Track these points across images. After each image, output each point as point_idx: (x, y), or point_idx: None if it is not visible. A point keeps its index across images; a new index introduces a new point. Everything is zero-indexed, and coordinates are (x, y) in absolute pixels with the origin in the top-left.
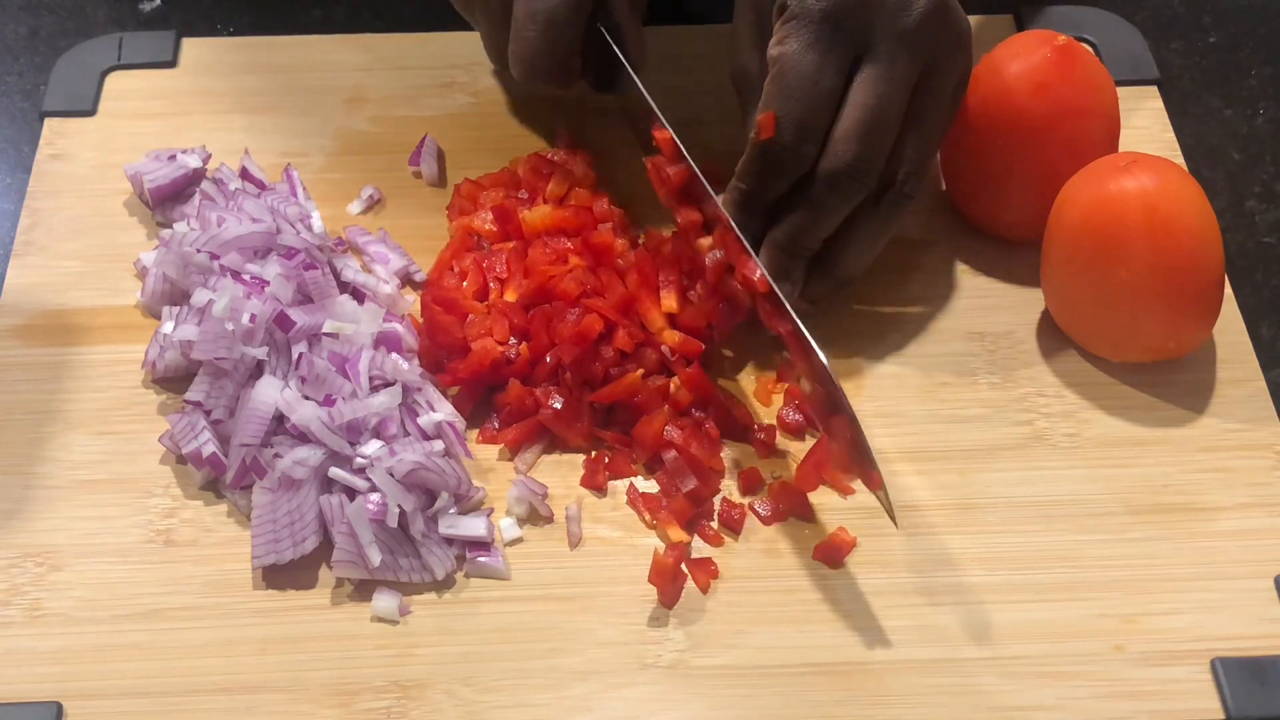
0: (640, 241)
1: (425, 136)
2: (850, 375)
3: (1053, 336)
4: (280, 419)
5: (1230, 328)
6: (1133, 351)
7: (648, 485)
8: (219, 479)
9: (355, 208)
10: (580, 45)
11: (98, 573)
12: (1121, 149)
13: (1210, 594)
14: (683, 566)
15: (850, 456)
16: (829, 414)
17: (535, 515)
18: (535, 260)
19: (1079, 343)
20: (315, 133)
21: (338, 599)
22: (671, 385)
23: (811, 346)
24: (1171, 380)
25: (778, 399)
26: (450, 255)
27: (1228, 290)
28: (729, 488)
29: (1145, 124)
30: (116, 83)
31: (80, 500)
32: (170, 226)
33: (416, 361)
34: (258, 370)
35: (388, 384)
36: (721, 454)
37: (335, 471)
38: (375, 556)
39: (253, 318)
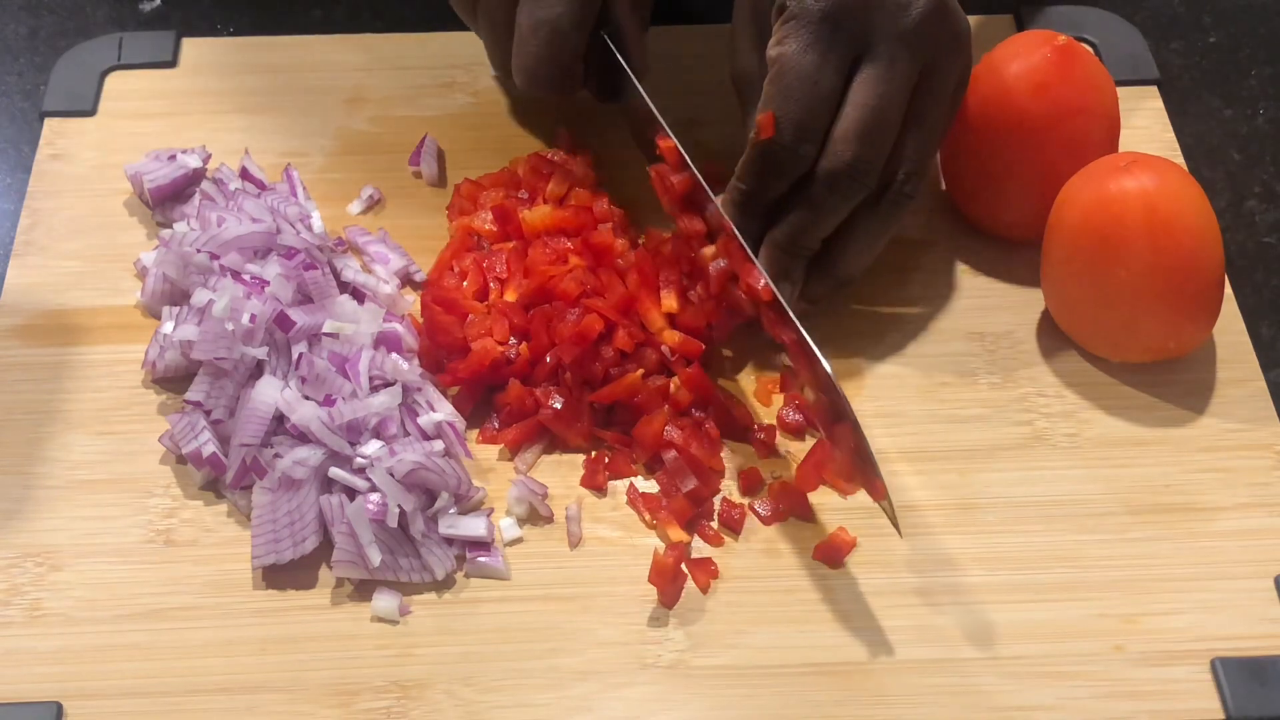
0: (640, 241)
1: (425, 136)
2: (850, 375)
3: (1053, 336)
4: (280, 419)
5: (1230, 328)
6: (1133, 351)
7: (648, 485)
8: (219, 479)
9: (355, 208)
10: (583, 54)
11: (98, 573)
12: (1121, 149)
13: (1210, 594)
14: (683, 566)
15: (854, 465)
16: (833, 422)
17: (535, 515)
18: (535, 260)
19: (1079, 343)
20: (315, 133)
21: (338, 599)
22: (671, 385)
23: (815, 355)
24: (1171, 380)
25: (778, 399)
26: (450, 255)
27: (1228, 290)
28: (729, 488)
29: (1145, 124)
30: (116, 83)
31: (80, 500)
32: (170, 226)
33: (416, 361)
34: (258, 370)
35: (388, 384)
36: (721, 454)
37: (335, 471)
38: (375, 556)
39: (253, 318)
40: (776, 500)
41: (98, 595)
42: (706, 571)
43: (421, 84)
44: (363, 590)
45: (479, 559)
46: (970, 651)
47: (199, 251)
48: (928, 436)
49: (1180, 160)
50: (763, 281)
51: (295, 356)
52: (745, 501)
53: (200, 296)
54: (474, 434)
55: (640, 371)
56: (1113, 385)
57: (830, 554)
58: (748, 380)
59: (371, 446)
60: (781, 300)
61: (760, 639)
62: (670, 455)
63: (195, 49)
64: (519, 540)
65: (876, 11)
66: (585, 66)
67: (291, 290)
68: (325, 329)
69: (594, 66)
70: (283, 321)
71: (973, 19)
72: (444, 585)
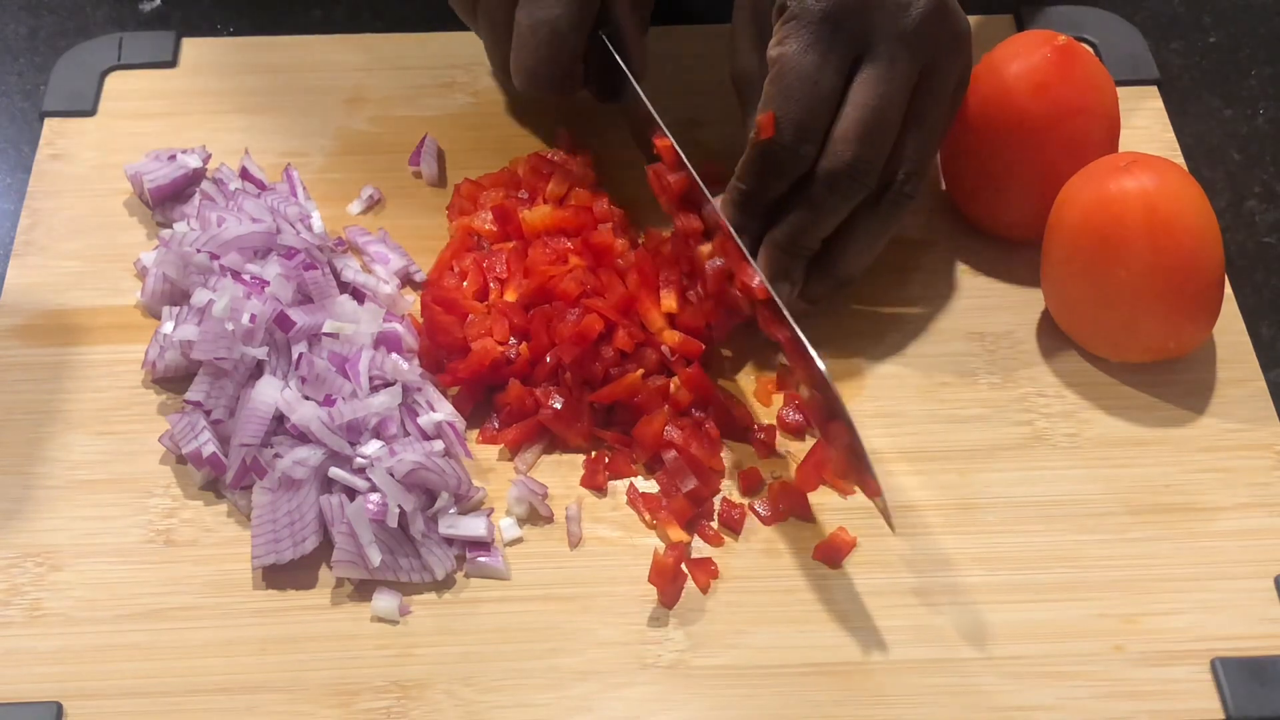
0: (640, 241)
1: (425, 136)
2: (850, 375)
3: (1053, 336)
4: (280, 419)
5: (1230, 328)
6: (1133, 351)
7: (648, 485)
8: (219, 479)
9: (355, 208)
10: (583, 54)
11: (98, 573)
12: (1121, 149)
13: (1210, 594)
14: (683, 566)
15: (848, 463)
16: (827, 420)
17: (535, 515)
18: (535, 260)
19: (1079, 343)
20: (315, 133)
21: (338, 599)
22: (671, 385)
23: (810, 354)
24: (1171, 380)
25: (777, 399)
26: (450, 255)
27: (1228, 290)
28: (729, 488)
29: (1145, 124)
30: (116, 83)
31: (80, 500)
32: (170, 226)
33: (416, 361)
34: (258, 370)
35: (388, 384)
36: (721, 454)
37: (335, 471)
38: (375, 556)
39: (253, 318)
40: (776, 500)
41: (98, 595)
42: (706, 571)
43: (421, 84)
44: (363, 590)
45: (479, 559)
46: (970, 651)
47: (199, 251)
48: (927, 436)
49: (1180, 160)
50: (757, 280)
51: (295, 356)
52: (745, 501)
53: (200, 296)
54: (474, 434)
55: (640, 371)
56: (1113, 385)
57: (830, 554)
58: (747, 380)
59: (371, 446)
60: (776, 298)
61: (760, 639)
62: (670, 455)
63: (195, 49)
64: (519, 540)
65: (877, 12)
66: (585, 67)
67: (291, 290)
68: (325, 329)
69: (594, 67)
70: (283, 321)
71: (973, 19)
72: (444, 585)
